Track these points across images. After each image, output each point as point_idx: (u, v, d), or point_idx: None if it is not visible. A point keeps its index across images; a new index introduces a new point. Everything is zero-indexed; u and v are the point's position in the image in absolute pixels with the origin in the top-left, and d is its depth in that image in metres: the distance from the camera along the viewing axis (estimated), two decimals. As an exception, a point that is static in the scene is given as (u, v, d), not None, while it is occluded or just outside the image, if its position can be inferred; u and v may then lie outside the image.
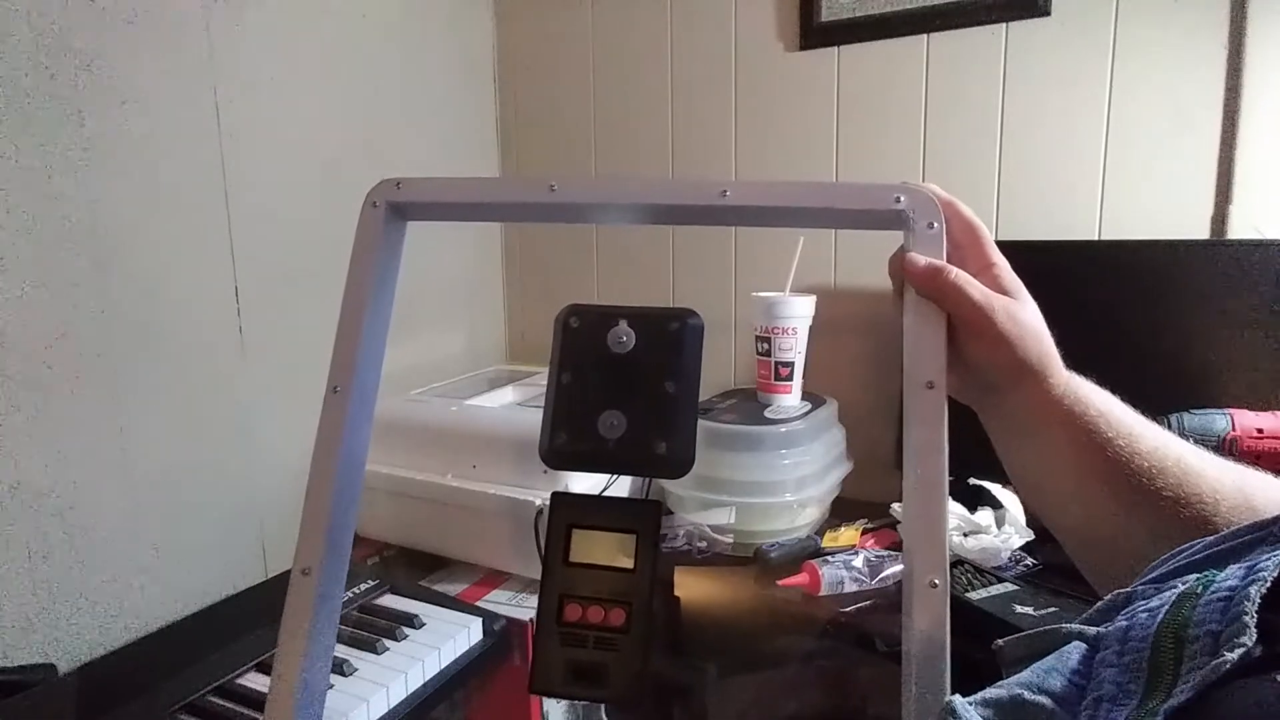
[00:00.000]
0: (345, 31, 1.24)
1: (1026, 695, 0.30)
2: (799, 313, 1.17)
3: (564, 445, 0.40)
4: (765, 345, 1.19)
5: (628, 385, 0.40)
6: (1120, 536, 0.43)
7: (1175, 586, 0.31)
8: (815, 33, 1.29)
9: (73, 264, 0.89)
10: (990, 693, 0.31)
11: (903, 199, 0.42)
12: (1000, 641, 0.36)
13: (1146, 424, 0.43)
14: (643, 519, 0.40)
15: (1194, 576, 0.31)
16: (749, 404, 1.23)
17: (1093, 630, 0.32)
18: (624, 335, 0.40)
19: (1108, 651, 0.30)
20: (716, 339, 1.46)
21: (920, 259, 0.41)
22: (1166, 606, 0.29)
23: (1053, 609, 0.84)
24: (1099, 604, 0.34)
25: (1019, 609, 0.85)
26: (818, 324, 1.20)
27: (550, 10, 1.52)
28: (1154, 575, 0.34)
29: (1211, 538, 0.34)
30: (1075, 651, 0.31)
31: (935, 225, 0.42)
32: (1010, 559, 1.01)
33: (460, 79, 1.51)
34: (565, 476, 0.95)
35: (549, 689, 0.38)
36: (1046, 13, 1.14)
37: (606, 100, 1.50)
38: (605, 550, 0.40)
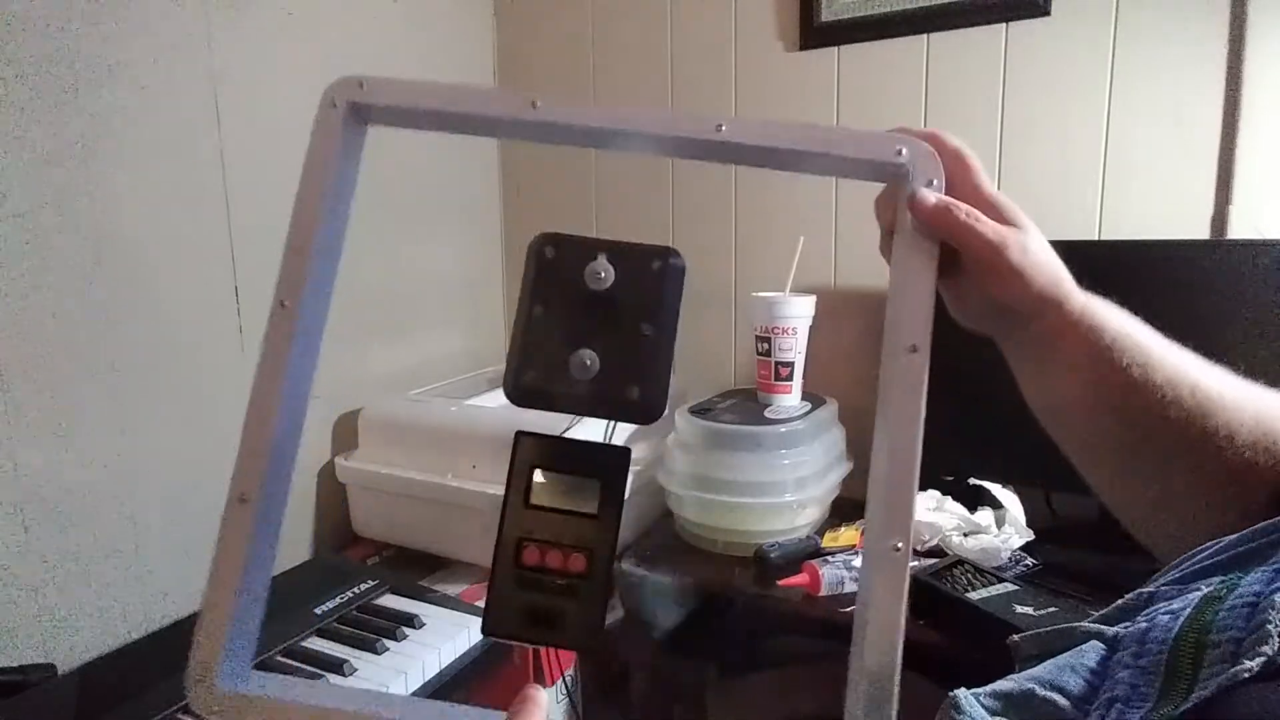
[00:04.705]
0: (345, 31, 1.24)
1: (1038, 690, 0.30)
2: (799, 313, 1.17)
3: (533, 382, 0.37)
4: (765, 345, 1.19)
5: (603, 324, 0.37)
6: (1132, 463, 0.42)
7: (1198, 589, 0.30)
8: (815, 33, 1.29)
9: (73, 264, 0.89)
10: (1001, 685, 0.31)
11: (905, 151, 0.40)
12: (1016, 637, 0.35)
13: (1169, 351, 0.43)
14: (610, 465, 0.38)
15: (1218, 579, 0.30)
16: (749, 404, 1.23)
17: (1111, 630, 0.32)
18: (602, 271, 0.37)
19: (1125, 653, 0.30)
20: (716, 339, 1.46)
21: (930, 195, 0.40)
22: (1188, 610, 0.29)
23: (1053, 609, 0.84)
24: (1118, 601, 0.34)
25: (1019, 609, 0.85)
26: (818, 324, 1.20)
27: (550, 10, 1.52)
28: (1176, 575, 0.34)
29: (1234, 536, 0.34)
30: (1092, 651, 0.31)
31: (935, 183, 0.41)
32: (1010, 559, 1.01)
33: (460, 78, 1.51)
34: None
35: (504, 631, 0.37)
36: (1046, 13, 1.14)
37: (606, 100, 1.50)
38: (568, 494, 0.38)
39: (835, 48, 1.29)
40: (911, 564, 1.12)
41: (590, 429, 0.42)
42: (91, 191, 0.90)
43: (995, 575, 0.94)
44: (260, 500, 0.39)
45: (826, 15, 1.27)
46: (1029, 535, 1.05)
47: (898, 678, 0.32)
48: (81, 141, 0.89)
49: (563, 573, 0.37)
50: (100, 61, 0.90)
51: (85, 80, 0.89)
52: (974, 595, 0.89)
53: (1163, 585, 0.33)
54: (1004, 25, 1.17)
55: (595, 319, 0.38)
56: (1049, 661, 0.31)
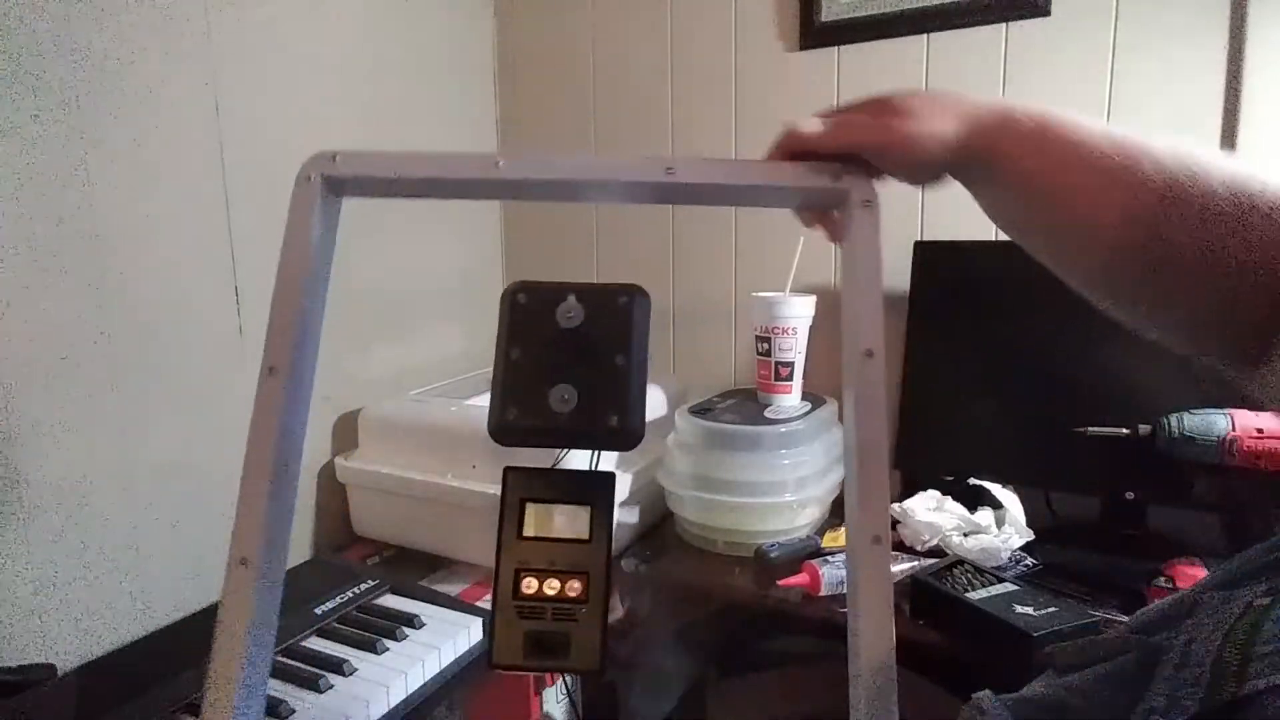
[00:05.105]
0: (345, 31, 1.24)
1: (1071, 699, 0.29)
2: (799, 313, 1.17)
3: (515, 420, 0.40)
4: (765, 345, 1.19)
5: (578, 359, 0.40)
6: (1084, 245, 0.42)
7: (1243, 597, 0.30)
8: (815, 33, 1.29)
9: (73, 264, 0.89)
10: (1032, 690, 0.31)
11: (844, 178, 0.44)
12: (1053, 647, 0.35)
13: (1102, 142, 0.41)
14: (596, 490, 0.40)
15: (1262, 586, 0.30)
16: (749, 404, 1.23)
17: (1152, 641, 0.31)
18: (572, 310, 0.39)
19: (1166, 664, 0.29)
20: (717, 339, 1.46)
21: (809, 125, 0.44)
22: (1233, 621, 0.29)
23: (1053, 609, 0.84)
24: (1160, 608, 0.34)
25: (1019, 609, 0.85)
26: (818, 324, 1.20)
27: (550, 10, 1.52)
28: (1218, 580, 0.33)
29: (1276, 539, 0.33)
30: (1131, 661, 0.31)
31: (870, 202, 0.43)
32: (1010, 559, 1.01)
33: (460, 78, 1.51)
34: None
35: (510, 663, 0.38)
36: (1046, 13, 1.14)
37: (606, 100, 1.50)
38: (560, 523, 0.40)
39: (835, 48, 1.29)
40: (912, 564, 1.12)
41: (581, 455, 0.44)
42: (91, 191, 0.90)
43: (995, 575, 0.94)
44: (260, 563, 0.40)
45: (826, 15, 1.27)
46: (1029, 535, 1.05)
47: (894, 666, 0.32)
48: (81, 140, 0.89)
49: (561, 599, 0.38)
50: (99, 59, 0.90)
51: (85, 80, 0.89)
52: (974, 595, 0.89)
53: (1204, 593, 0.32)
54: (1004, 25, 1.17)
55: (570, 355, 0.39)
56: (1085, 670, 0.31)
